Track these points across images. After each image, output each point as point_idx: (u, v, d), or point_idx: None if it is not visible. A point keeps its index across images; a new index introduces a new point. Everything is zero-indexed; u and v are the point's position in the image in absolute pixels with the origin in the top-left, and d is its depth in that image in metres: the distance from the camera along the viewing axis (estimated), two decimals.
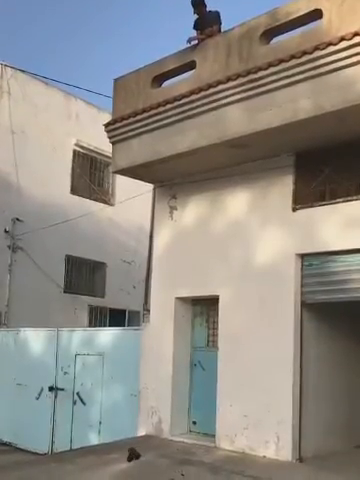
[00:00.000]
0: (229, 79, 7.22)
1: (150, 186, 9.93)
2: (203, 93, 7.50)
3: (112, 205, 15.79)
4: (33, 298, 13.48)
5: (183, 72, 8.18)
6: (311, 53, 6.48)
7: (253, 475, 6.53)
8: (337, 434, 8.07)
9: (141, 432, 9.06)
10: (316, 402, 7.74)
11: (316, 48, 6.43)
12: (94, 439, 9.86)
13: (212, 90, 7.40)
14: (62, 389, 10.89)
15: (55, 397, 11.01)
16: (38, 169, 14.02)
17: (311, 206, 7.55)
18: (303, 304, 7.64)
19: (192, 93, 7.62)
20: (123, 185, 14.51)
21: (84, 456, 7.65)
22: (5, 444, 11.89)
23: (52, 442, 10.90)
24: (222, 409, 8.07)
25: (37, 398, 11.34)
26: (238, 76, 7.13)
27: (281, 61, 6.73)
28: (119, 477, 6.46)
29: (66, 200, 14.60)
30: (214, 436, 8.16)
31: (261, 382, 7.61)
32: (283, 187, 7.81)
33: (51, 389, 11.03)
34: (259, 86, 7.00)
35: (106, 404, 9.98)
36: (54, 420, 10.99)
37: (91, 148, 15.33)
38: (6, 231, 13.32)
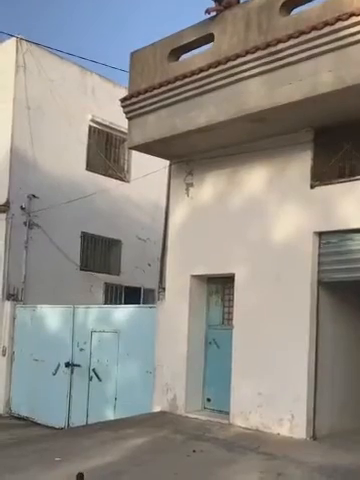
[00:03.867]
0: (248, 52, 7.05)
1: (166, 162, 9.83)
2: (221, 67, 7.35)
3: (128, 182, 15.68)
4: (49, 275, 13.51)
5: (201, 45, 8.01)
6: (333, 24, 6.29)
7: (267, 452, 6.54)
8: (352, 413, 8.05)
9: (156, 408, 9.12)
10: (331, 380, 7.71)
11: (338, 19, 6.24)
12: (110, 414, 9.96)
13: (230, 64, 7.24)
14: (78, 365, 10.99)
15: (71, 373, 11.12)
16: (54, 145, 13.93)
17: (330, 183, 7.42)
18: (320, 282, 7.57)
19: (210, 67, 7.46)
20: (139, 162, 14.38)
21: (100, 431, 7.72)
22: (22, 418, 12.09)
23: (68, 417, 11.04)
24: (236, 386, 8.08)
25: (54, 374, 11.46)
26: (257, 49, 6.96)
27: (302, 33, 6.54)
28: (135, 452, 6.51)
29: (82, 177, 14.51)
30: (228, 413, 8.19)
31: (276, 360, 7.58)
32: (301, 163, 7.67)
33: (67, 365, 11.14)
34: (279, 59, 6.83)
35: (121, 380, 10.06)
36: (70, 395, 11.12)
37: (107, 124, 15.14)
38: (22, 208, 13.29)
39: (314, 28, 6.43)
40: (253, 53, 7.01)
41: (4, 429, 10.97)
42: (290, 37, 6.65)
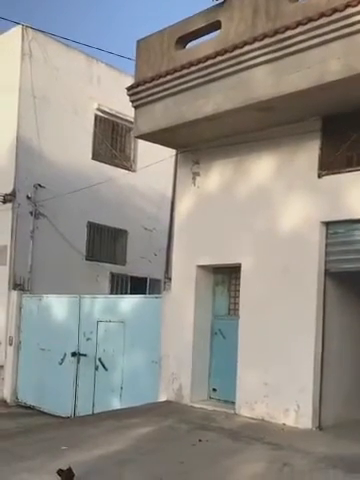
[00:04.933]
0: (255, 39, 6.95)
1: (172, 152, 9.77)
2: (228, 55, 7.25)
3: (134, 171, 15.63)
4: (55, 265, 13.53)
5: (208, 33, 7.91)
6: (342, 11, 6.17)
7: (273, 442, 6.54)
8: (357, 403, 8.04)
9: (162, 398, 9.13)
10: (337, 371, 7.69)
11: (347, 5, 6.12)
12: (116, 404, 10.00)
13: (238, 51, 7.15)
14: (84, 355, 11.03)
15: (78, 362, 11.16)
16: (60, 134, 13.88)
17: (338, 172, 7.34)
18: (327, 273, 7.52)
19: (217, 55, 7.37)
20: (145, 151, 14.33)
21: (106, 420, 7.74)
22: (29, 407, 12.17)
23: (75, 406, 11.10)
24: (242, 377, 8.07)
25: (60, 363, 11.52)
26: (265, 36, 6.86)
27: (310, 19, 6.43)
28: (140, 441, 6.52)
29: (88, 166, 14.47)
30: (234, 403, 8.19)
31: (282, 351, 7.57)
32: (309, 152, 7.60)
33: (74, 354, 11.18)
34: (287, 46, 6.72)
35: (127, 370, 10.08)
36: (77, 385, 11.17)
37: (113, 113, 15.04)
38: (28, 197, 13.29)
39: (323, 15, 6.32)
40: (261, 40, 6.91)
41: (11, 418, 11.05)
42: (298, 24, 6.54)
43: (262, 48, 6.94)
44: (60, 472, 4.81)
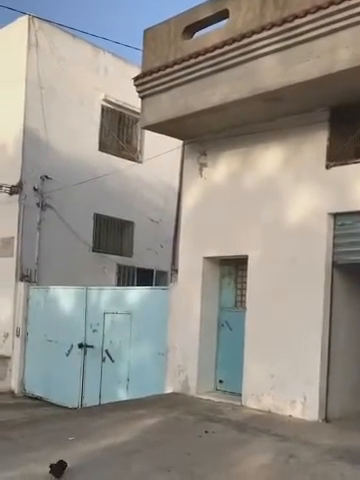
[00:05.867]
0: (263, 29, 6.87)
1: (179, 143, 9.71)
2: (236, 44, 7.17)
3: (140, 162, 15.57)
4: (62, 256, 13.54)
5: (216, 22, 7.83)
6: None
7: (279, 434, 6.53)
8: None
9: (168, 390, 9.14)
10: (344, 363, 7.67)
11: None
12: (122, 395, 10.02)
13: (246, 41, 7.06)
14: (91, 346, 11.05)
15: (84, 354, 11.19)
16: (66, 125, 13.84)
17: (345, 163, 7.28)
18: (334, 265, 7.48)
19: (225, 44, 7.29)
20: (152, 142, 14.28)
21: (113, 411, 7.75)
22: (36, 398, 12.23)
23: (82, 397, 11.13)
24: (249, 368, 8.06)
25: (67, 354, 11.55)
26: (273, 25, 6.78)
27: (319, 8, 6.35)
28: (147, 432, 6.53)
29: (94, 157, 14.43)
30: (240, 395, 8.18)
31: (289, 343, 7.54)
32: (317, 143, 7.54)
33: (81, 346, 11.20)
34: (295, 36, 6.64)
35: (134, 362, 10.09)
36: (83, 376, 11.20)
37: (119, 103, 14.95)
38: (35, 189, 13.28)
39: (332, 3, 6.24)
40: (269, 30, 6.83)
41: (18, 408, 11.09)
42: (307, 12, 6.46)
43: (270, 37, 6.85)
44: (52, 466, 4.79)
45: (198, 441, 6.19)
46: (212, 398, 8.54)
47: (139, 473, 5.00)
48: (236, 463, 5.44)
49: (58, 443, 5.88)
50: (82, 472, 4.98)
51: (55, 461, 4.89)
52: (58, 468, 4.77)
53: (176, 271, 9.47)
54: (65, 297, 11.95)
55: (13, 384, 12.81)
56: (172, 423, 6.99)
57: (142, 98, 8.69)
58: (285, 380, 7.56)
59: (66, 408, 10.75)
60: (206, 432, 6.47)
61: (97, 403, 10.36)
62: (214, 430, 6.60)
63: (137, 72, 9.05)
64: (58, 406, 11.22)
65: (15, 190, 13.20)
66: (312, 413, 7.30)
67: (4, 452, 5.54)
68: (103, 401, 10.25)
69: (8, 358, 12.99)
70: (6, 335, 13.20)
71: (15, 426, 6.93)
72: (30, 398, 12.39)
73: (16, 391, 12.71)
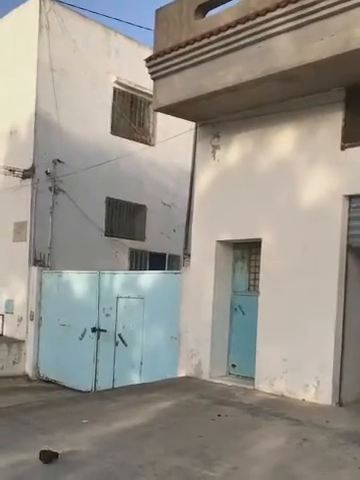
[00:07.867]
0: (278, 6, 6.69)
1: (192, 125, 9.59)
2: (250, 23, 7.00)
3: (152, 145, 15.47)
4: (74, 241, 13.56)
5: (229, 0, 7.68)
6: None
7: (292, 417, 6.50)
8: None
9: (181, 373, 9.15)
10: (358, 347, 7.59)
11: None
12: (135, 379, 10.06)
13: (259, 19, 6.89)
14: (104, 330, 11.08)
15: (98, 338, 11.24)
16: (78, 108, 13.75)
17: None
18: (349, 248, 7.38)
19: (238, 23, 7.12)
20: (164, 124, 14.17)
21: (126, 394, 7.78)
22: (50, 382, 12.34)
23: (95, 381, 11.21)
24: (262, 352, 8.02)
25: (80, 339, 11.61)
26: (287, 2, 6.59)
27: None
28: (160, 415, 6.54)
29: (106, 140, 14.35)
30: (253, 379, 8.16)
31: (302, 326, 7.48)
32: (332, 124, 7.39)
33: (94, 330, 11.25)
34: (310, 13, 6.45)
35: (147, 346, 10.11)
36: (97, 360, 11.26)
37: (131, 86, 14.81)
38: (47, 173, 13.26)
39: None
40: (283, 7, 6.64)
41: (32, 392, 11.21)
42: None
43: (284, 15, 6.67)
44: (41, 453, 4.77)
45: (211, 424, 6.19)
46: (225, 382, 8.54)
47: (152, 456, 5.00)
48: (249, 446, 5.43)
49: (72, 426, 5.91)
50: (96, 455, 5.00)
51: (47, 449, 4.87)
52: (47, 456, 4.75)
53: (189, 255, 9.41)
54: (78, 281, 11.98)
55: (27, 368, 12.94)
56: (185, 406, 6.99)
57: (154, 80, 8.56)
58: (298, 364, 7.51)
59: (80, 392, 10.82)
60: (219, 415, 6.47)
61: (110, 387, 10.43)
62: (227, 413, 6.60)
63: (149, 53, 8.91)
64: (72, 389, 11.32)
65: (27, 174, 13.20)
66: (325, 397, 7.26)
67: (19, 435, 5.57)
68: (116, 385, 10.32)
69: (22, 342, 13.10)
70: (20, 319, 13.30)
71: (30, 409, 6.97)
72: (44, 381, 12.51)
73: (30, 375, 12.84)
